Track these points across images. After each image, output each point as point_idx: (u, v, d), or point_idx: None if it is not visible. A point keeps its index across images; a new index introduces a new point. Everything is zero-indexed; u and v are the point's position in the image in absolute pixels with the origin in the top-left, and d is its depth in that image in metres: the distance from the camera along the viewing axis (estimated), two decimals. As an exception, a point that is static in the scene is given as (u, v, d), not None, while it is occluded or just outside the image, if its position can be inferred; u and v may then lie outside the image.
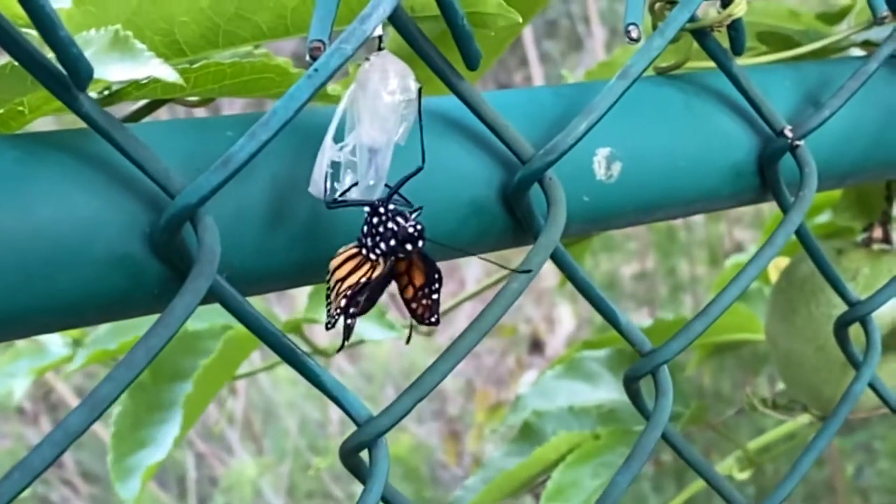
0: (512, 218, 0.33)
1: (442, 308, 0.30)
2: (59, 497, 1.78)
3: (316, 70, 0.26)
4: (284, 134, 0.26)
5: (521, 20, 0.31)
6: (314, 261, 0.30)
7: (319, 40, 0.27)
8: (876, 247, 0.58)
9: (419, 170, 0.29)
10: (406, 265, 0.29)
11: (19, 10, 0.22)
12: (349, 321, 0.28)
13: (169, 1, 0.30)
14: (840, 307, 0.45)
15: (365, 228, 0.28)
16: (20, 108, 0.28)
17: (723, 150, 0.38)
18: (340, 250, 0.28)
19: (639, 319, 1.69)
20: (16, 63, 0.24)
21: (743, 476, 0.66)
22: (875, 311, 0.44)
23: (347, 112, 0.28)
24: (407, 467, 1.69)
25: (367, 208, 0.28)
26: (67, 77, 0.24)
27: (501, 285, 0.31)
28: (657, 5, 0.37)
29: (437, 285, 0.29)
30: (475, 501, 0.72)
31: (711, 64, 0.38)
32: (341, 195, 0.28)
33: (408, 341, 0.32)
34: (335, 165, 0.28)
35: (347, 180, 0.28)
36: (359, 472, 0.30)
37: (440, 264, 0.29)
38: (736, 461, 0.68)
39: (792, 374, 0.59)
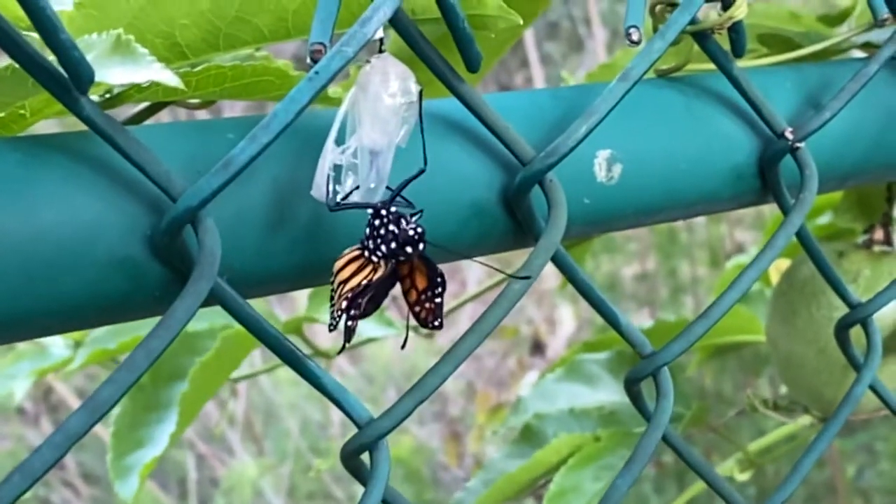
0: (513, 220, 0.33)
1: (444, 310, 0.30)
2: (60, 499, 1.78)
3: (317, 73, 0.26)
4: (285, 136, 0.26)
5: (521, 22, 0.32)
6: (315, 263, 0.30)
7: (320, 43, 0.27)
8: (877, 248, 0.58)
9: (421, 172, 0.29)
10: (409, 268, 0.29)
11: (20, 13, 0.22)
12: (350, 323, 0.28)
13: (170, 4, 0.30)
14: (841, 309, 0.45)
15: (367, 231, 0.28)
16: (21, 111, 0.28)
17: (723, 152, 0.38)
18: (345, 252, 0.28)
19: (640, 321, 1.69)
20: (17, 66, 0.24)
21: (744, 477, 0.66)
22: (876, 313, 0.44)
23: (348, 115, 0.28)
24: (408, 469, 1.69)
25: (370, 211, 0.28)
26: (69, 80, 0.24)
27: (503, 287, 0.31)
28: (658, 8, 0.37)
29: (440, 289, 0.29)
30: (476, 503, 0.72)
31: (712, 66, 0.38)
32: (343, 198, 0.28)
33: (403, 346, 0.32)
34: (336, 168, 0.28)
35: (348, 183, 0.28)
36: (360, 473, 0.30)
37: (441, 266, 0.29)
38: (737, 462, 0.68)
39: (793, 376, 0.59)
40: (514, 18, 0.31)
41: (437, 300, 0.29)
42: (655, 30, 0.36)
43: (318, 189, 0.28)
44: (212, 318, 0.66)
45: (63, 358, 0.73)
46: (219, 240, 0.26)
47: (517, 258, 0.32)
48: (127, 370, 0.23)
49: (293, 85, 0.26)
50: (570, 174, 0.33)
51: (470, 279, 1.95)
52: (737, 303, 0.37)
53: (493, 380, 1.94)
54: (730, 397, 1.36)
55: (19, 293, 0.25)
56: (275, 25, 0.31)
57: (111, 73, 0.26)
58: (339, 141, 0.28)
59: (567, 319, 1.98)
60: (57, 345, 0.73)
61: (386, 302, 0.30)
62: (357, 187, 0.28)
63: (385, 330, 0.72)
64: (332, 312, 0.28)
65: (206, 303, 0.26)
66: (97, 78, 0.24)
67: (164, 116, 0.37)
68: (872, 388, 0.45)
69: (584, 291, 0.35)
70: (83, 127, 0.25)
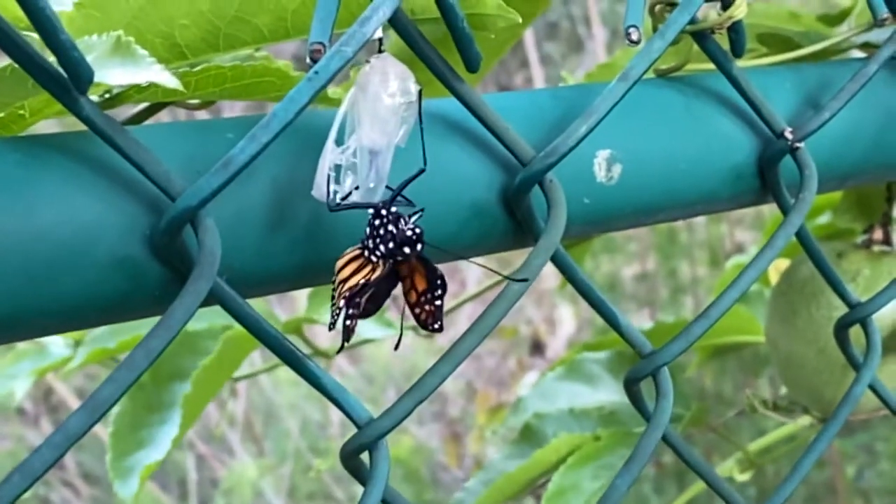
0: (512, 220, 0.33)
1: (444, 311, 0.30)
2: (60, 499, 1.78)
3: (316, 73, 0.26)
4: (285, 136, 0.26)
5: (520, 21, 0.31)
6: (315, 263, 0.30)
7: (320, 43, 0.27)
8: (876, 248, 0.58)
9: (421, 172, 0.29)
10: (408, 269, 0.29)
11: (20, 13, 0.22)
12: (349, 322, 0.28)
13: (169, 4, 0.30)
14: (840, 309, 0.45)
15: (368, 230, 0.28)
16: (21, 112, 0.28)
17: (723, 152, 0.38)
18: (346, 251, 0.28)
19: (639, 321, 1.69)
20: (16, 66, 0.24)
21: (744, 478, 0.66)
22: (875, 312, 0.44)
23: (348, 115, 0.29)
24: (407, 469, 1.69)
25: (370, 210, 0.28)
26: (68, 80, 0.24)
27: (502, 287, 0.31)
28: (657, 7, 0.37)
29: (440, 291, 0.29)
30: (476, 503, 0.72)
31: (712, 66, 0.38)
32: (343, 198, 0.28)
33: (396, 347, 0.32)
34: (336, 168, 0.28)
35: (348, 183, 0.28)
36: (359, 474, 0.30)
37: (441, 266, 0.29)
38: (737, 463, 0.68)
39: (792, 376, 0.59)
40: (514, 17, 0.31)
41: (438, 302, 0.29)
42: (655, 29, 0.36)
43: (319, 189, 0.28)
44: (212, 318, 0.66)
45: (63, 357, 0.73)
46: (218, 239, 0.26)
47: (517, 258, 0.32)
48: (127, 369, 0.23)
49: (293, 85, 0.26)
50: (569, 174, 0.33)
51: (469, 279, 1.95)
52: (736, 303, 0.37)
53: (492, 380, 1.94)
54: (730, 398, 1.36)
55: (19, 293, 0.25)
56: (274, 25, 0.31)
57: (111, 74, 0.26)
58: (339, 141, 0.28)
59: (567, 319, 1.98)
60: (57, 344, 0.73)
61: (386, 302, 0.30)
62: (357, 187, 0.28)
63: (385, 331, 0.72)
64: (332, 311, 0.28)
65: (206, 303, 0.26)
66: (97, 79, 0.24)
67: (163, 117, 0.37)
68: (872, 388, 0.45)
69: (584, 291, 0.35)
70: (83, 127, 0.25)
